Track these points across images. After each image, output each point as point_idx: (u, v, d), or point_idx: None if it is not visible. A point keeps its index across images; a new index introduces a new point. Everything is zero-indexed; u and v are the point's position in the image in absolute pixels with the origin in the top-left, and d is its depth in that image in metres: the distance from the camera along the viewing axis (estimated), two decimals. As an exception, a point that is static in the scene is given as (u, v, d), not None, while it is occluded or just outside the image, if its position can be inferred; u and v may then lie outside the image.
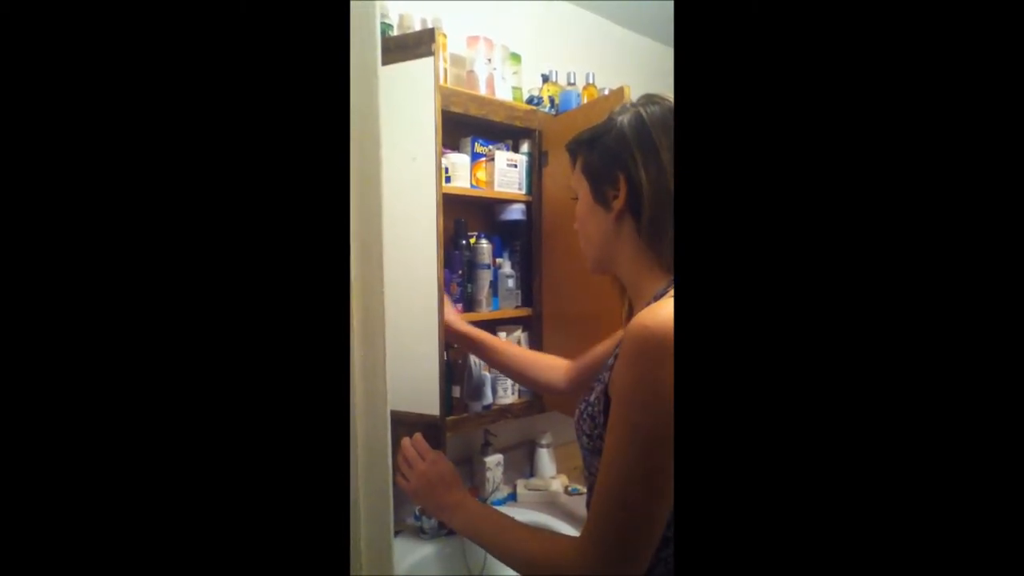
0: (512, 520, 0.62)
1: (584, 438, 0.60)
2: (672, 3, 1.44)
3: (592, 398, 0.59)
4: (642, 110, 0.60)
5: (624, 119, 0.60)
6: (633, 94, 1.55)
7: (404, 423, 0.79)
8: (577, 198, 0.66)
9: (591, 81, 1.40)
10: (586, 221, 0.64)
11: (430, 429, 0.77)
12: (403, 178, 0.82)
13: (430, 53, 0.80)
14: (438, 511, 0.69)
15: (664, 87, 1.83)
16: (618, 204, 0.59)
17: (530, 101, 1.28)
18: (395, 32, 1.08)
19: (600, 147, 0.61)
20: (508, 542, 0.60)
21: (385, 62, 0.82)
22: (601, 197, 0.61)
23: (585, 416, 0.60)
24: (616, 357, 0.56)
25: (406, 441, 0.73)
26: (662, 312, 0.49)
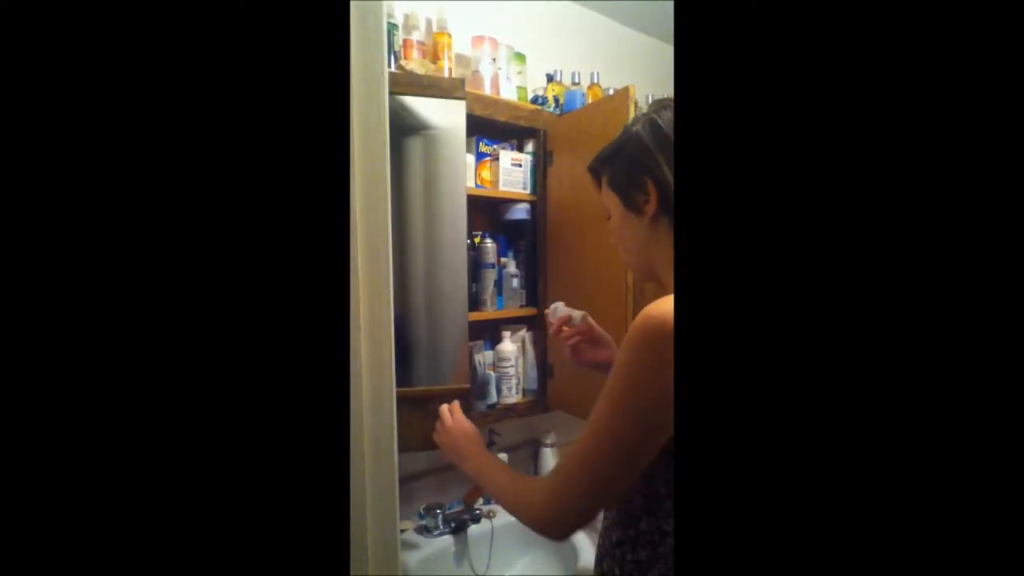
0: (504, 468, 0.70)
1: None
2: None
3: None
4: (656, 116, 0.62)
5: (640, 127, 0.62)
6: (638, 94, 1.55)
7: (443, 396, 0.96)
8: (610, 216, 0.68)
9: (596, 81, 1.40)
10: (623, 233, 0.66)
11: (461, 399, 0.94)
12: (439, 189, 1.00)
13: (464, 97, 0.98)
14: (457, 461, 0.77)
15: (669, 87, 1.81)
16: (651, 208, 0.61)
17: (535, 101, 1.28)
18: (400, 32, 1.09)
19: (623, 158, 0.63)
20: (498, 484, 0.67)
21: (419, 94, 0.96)
22: (633, 205, 0.63)
23: None
24: None
25: (444, 406, 0.84)
26: (665, 304, 0.52)
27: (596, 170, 0.68)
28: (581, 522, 0.57)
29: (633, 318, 0.53)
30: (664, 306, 0.51)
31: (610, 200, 0.66)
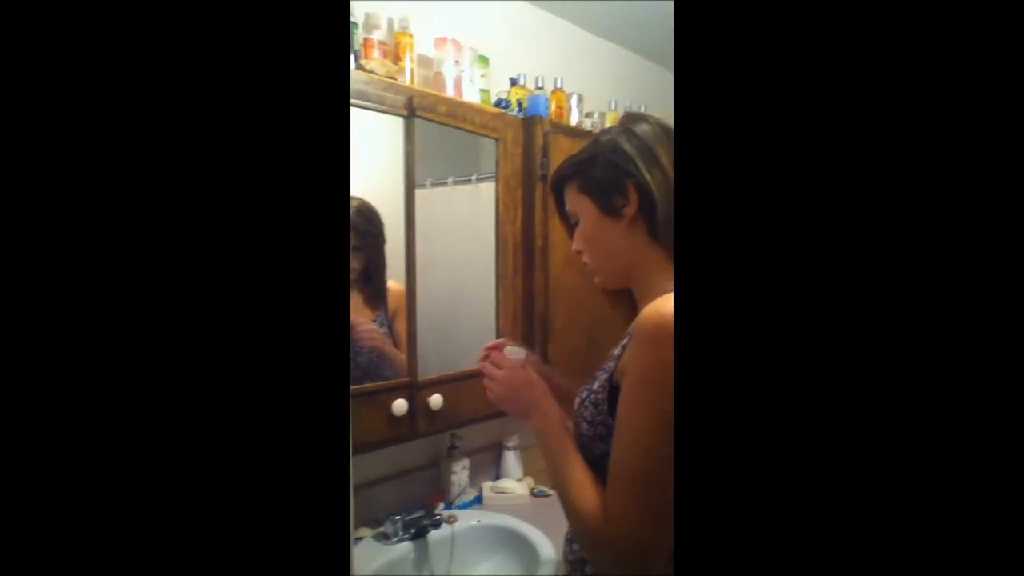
0: (574, 454, 0.62)
1: (584, 424, 0.63)
2: (640, 9, 1.45)
3: (596, 386, 0.63)
4: (632, 127, 0.65)
5: (615, 137, 0.65)
6: (600, 99, 1.57)
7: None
8: (576, 223, 0.69)
9: (559, 86, 1.41)
10: (596, 237, 0.67)
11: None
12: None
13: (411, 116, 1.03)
14: (521, 412, 0.69)
15: (631, 92, 1.84)
16: (630, 211, 0.63)
17: (498, 104, 1.28)
18: (360, 31, 1.07)
19: (600, 163, 0.65)
20: (560, 469, 0.62)
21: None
22: (611, 208, 0.64)
23: (587, 403, 0.63)
24: (624, 348, 0.59)
25: (487, 358, 0.74)
26: (671, 302, 0.54)
27: (566, 178, 0.69)
28: (648, 540, 0.53)
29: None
30: (672, 304, 0.53)
31: (581, 205, 0.67)
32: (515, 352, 0.75)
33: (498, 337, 1.27)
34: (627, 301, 0.70)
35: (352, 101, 0.95)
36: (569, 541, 0.68)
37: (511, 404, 0.69)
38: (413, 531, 1.11)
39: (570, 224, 0.71)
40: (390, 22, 1.13)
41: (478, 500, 1.34)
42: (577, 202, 0.68)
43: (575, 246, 0.69)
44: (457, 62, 1.20)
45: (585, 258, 0.69)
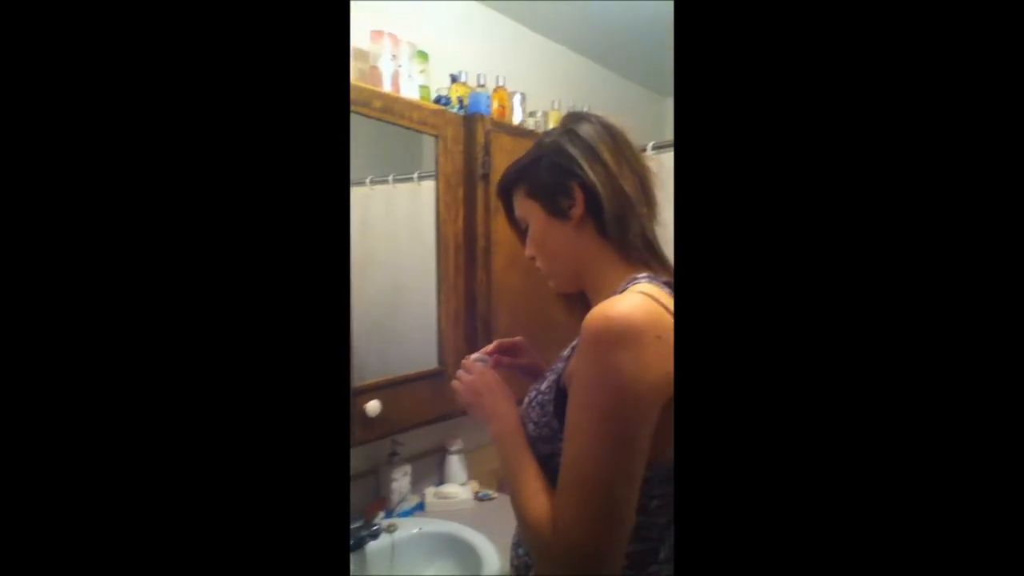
0: (528, 460, 0.61)
1: (531, 425, 0.63)
2: (584, 9, 1.44)
3: (544, 387, 0.62)
4: (574, 127, 0.65)
5: (557, 138, 0.65)
6: (543, 99, 1.57)
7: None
8: (527, 228, 0.68)
9: (502, 84, 1.40)
10: (546, 240, 0.66)
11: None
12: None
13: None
14: (483, 418, 0.68)
15: (574, 91, 1.84)
16: (577, 211, 0.62)
17: (438, 101, 1.26)
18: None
19: (544, 165, 0.64)
20: (513, 475, 0.61)
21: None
22: (558, 210, 0.64)
23: (534, 404, 0.63)
24: (573, 350, 0.59)
25: (466, 358, 0.74)
26: (621, 304, 0.53)
27: (512, 183, 0.68)
28: (598, 547, 0.52)
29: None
30: (619, 307, 0.52)
31: (529, 209, 0.66)
32: (481, 356, 0.74)
33: (440, 338, 1.25)
34: (582, 304, 0.70)
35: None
36: (515, 545, 0.68)
37: (474, 409, 0.68)
38: (351, 542, 1.07)
39: (521, 230, 0.71)
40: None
41: (420, 507, 1.31)
42: (525, 207, 0.67)
43: (528, 251, 0.69)
44: (394, 56, 1.16)
45: (538, 263, 0.68)
